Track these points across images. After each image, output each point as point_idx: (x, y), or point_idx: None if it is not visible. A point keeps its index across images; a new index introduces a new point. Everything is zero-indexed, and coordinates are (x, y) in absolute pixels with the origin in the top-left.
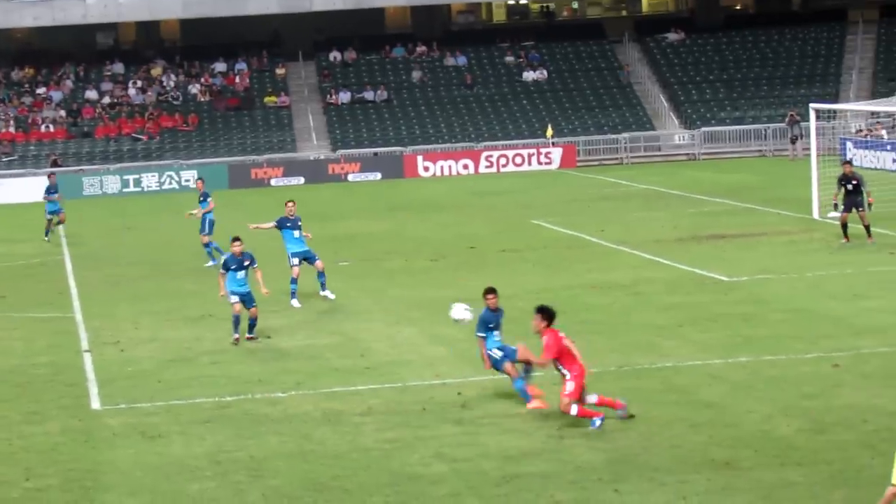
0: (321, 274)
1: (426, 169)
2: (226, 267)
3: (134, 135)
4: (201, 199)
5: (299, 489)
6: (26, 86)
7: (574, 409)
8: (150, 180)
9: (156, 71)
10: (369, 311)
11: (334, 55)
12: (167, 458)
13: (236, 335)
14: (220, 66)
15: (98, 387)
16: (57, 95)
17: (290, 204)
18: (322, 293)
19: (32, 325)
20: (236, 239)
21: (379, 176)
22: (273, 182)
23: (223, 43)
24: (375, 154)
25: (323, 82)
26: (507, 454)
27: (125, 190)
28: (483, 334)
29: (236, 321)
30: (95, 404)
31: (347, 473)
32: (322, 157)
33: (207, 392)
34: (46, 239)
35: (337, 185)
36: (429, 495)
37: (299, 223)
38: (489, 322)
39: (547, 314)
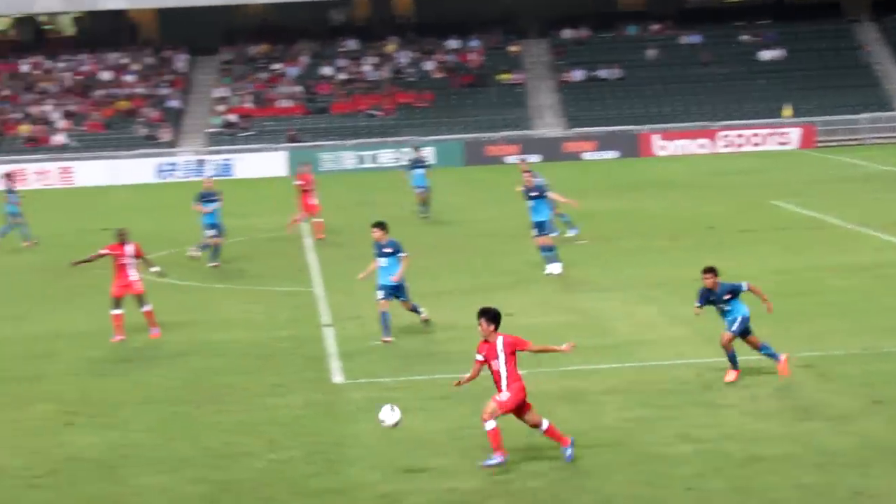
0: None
1: (662, 148)
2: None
3: (369, 111)
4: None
5: (541, 465)
6: (262, 61)
7: (491, 425)
8: (386, 156)
9: (390, 47)
10: (608, 289)
11: (568, 33)
12: (408, 433)
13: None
14: (454, 43)
15: (340, 361)
16: (293, 71)
17: (526, 174)
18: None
19: (274, 298)
20: (378, 225)
21: (615, 154)
22: (508, 160)
23: (456, 20)
24: (610, 133)
25: (556, 60)
26: (750, 436)
27: (361, 166)
28: (699, 304)
29: (384, 320)
30: (338, 378)
31: (589, 452)
32: (557, 134)
33: (447, 368)
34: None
35: (572, 163)
36: (672, 475)
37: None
38: (705, 297)
39: (492, 317)
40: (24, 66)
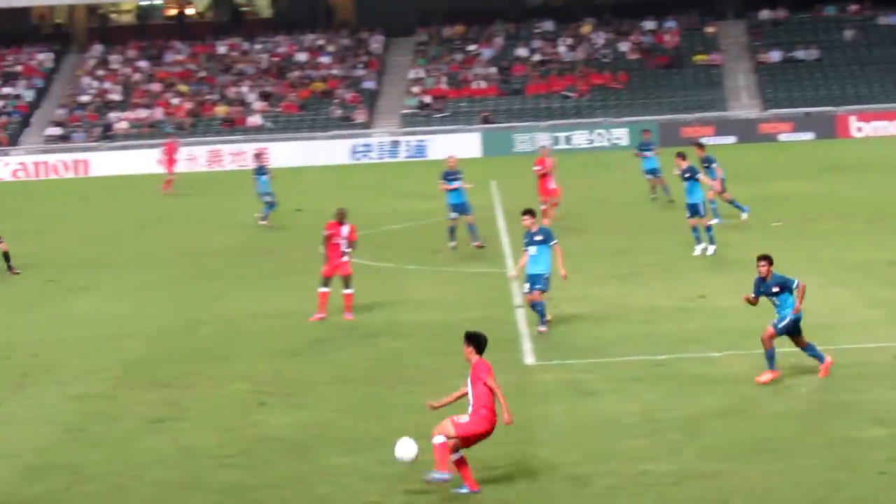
0: None
1: (859, 129)
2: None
3: (564, 92)
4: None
5: (734, 448)
6: (457, 43)
7: (439, 440)
8: (580, 138)
9: (585, 29)
10: (802, 272)
11: (765, 13)
12: (600, 414)
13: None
14: (650, 24)
15: (531, 342)
16: (487, 52)
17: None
18: None
19: (465, 280)
20: (527, 212)
21: (811, 136)
22: (703, 141)
23: (653, 1)
24: (807, 114)
25: (753, 41)
26: None
27: (555, 147)
28: (754, 294)
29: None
30: (529, 360)
31: (781, 435)
32: (753, 116)
33: (640, 350)
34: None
35: (768, 145)
36: (865, 459)
37: None
38: (757, 287)
39: (470, 342)
40: (222, 48)
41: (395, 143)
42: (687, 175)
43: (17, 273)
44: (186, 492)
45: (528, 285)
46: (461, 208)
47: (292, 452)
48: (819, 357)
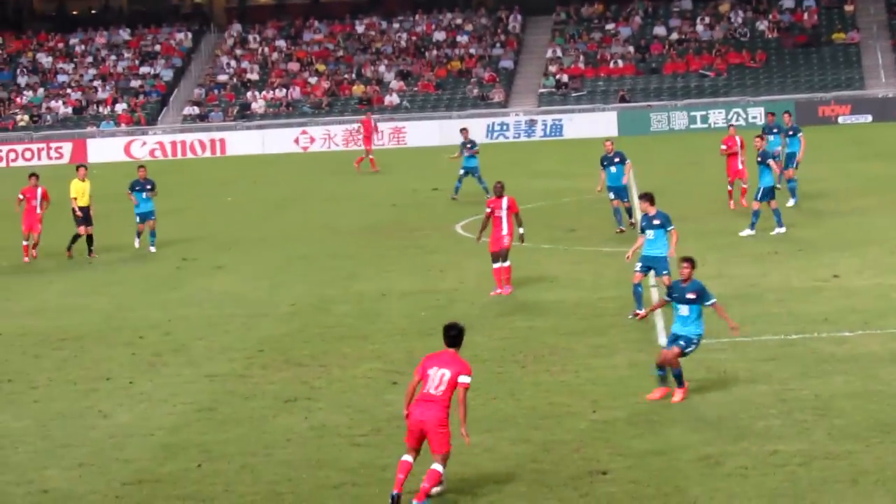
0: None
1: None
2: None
3: (701, 71)
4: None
5: (865, 429)
6: (596, 21)
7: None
8: (716, 117)
9: (724, 7)
10: None
11: None
12: (732, 394)
13: (637, 311)
14: (789, 3)
15: (664, 321)
16: (625, 31)
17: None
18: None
19: (600, 259)
20: (645, 196)
21: None
22: (840, 120)
23: None
24: None
25: (893, 19)
26: None
27: (692, 126)
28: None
29: (637, 294)
30: (663, 339)
31: None
32: (891, 95)
33: (773, 329)
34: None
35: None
36: None
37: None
38: (670, 292)
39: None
40: (360, 27)
41: (532, 123)
42: (759, 160)
43: (94, 257)
44: (317, 470)
45: (639, 265)
46: (619, 192)
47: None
48: (679, 380)
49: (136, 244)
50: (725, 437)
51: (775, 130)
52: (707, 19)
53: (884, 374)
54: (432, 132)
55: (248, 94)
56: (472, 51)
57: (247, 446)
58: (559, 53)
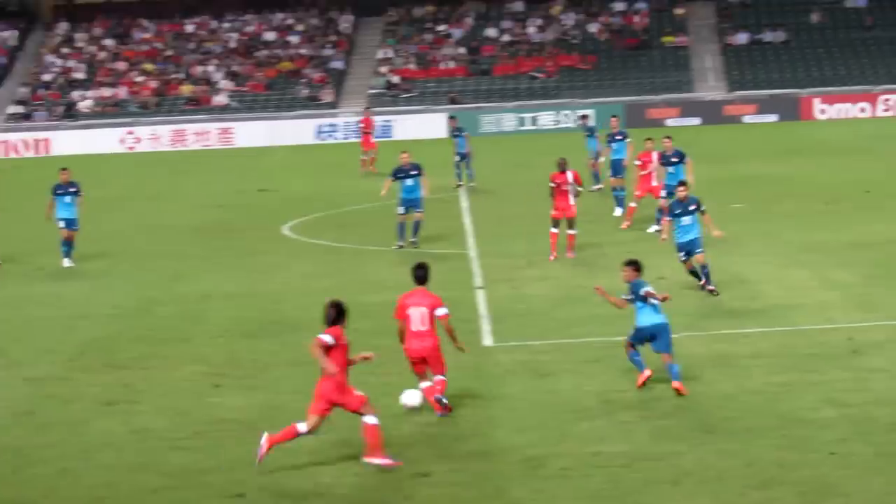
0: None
1: (822, 112)
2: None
3: (532, 73)
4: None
5: (687, 430)
6: (427, 23)
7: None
8: (546, 119)
9: (555, 9)
10: (761, 253)
11: None
12: (557, 396)
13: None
14: (620, 6)
15: (490, 323)
16: (457, 33)
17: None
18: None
19: (426, 260)
20: (682, 183)
21: (775, 118)
22: (669, 122)
23: None
24: (771, 96)
25: (721, 23)
26: None
27: (521, 128)
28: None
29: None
30: (487, 341)
31: (735, 415)
32: (718, 98)
33: (598, 331)
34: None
35: (732, 126)
36: (816, 439)
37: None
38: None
39: (418, 273)
40: (190, 27)
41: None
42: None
43: None
44: (137, 474)
45: (681, 254)
46: (413, 203)
47: (246, 435)
48: (639, 367)
49: None
50: (549, 439)
51: (618, 137)
52: (538, 21)
53: (706, 375)
54: (261, 133)
55: (74, 93)
56: (302, 51)
57: (66, 450)
58: (390, 54)
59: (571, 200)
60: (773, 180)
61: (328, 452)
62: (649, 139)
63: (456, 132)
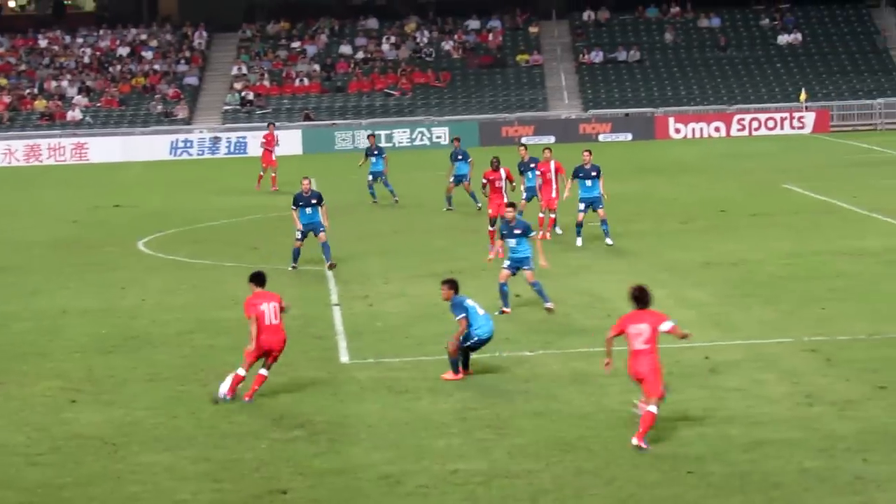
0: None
1: (677, 131)
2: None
3: (386, 90)
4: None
5: (544, 448)
6: (282, 40)
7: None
8: (401, 136)
9: (410, 27)
10: (617, 272)
11: (588, 14)
12: (414, 413)
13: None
14: (474, 24)
15: (347, 340)
16: (311, 50)
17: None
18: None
19: (283, 277)
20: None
21: (630, 137)
22: (524, 140)
23: (476, 0)
24: (626, 115)
25: (576, 41)
26: (754, 420)
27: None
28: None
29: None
30: (344, 358)
31: (592, 434)
32: (573, 116)
33: None
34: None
35: (587, 144)
36: (675, 458)
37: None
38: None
39: (257, 279)
40: (43, 42)
41: (216, 140)
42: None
43: None
44: None
45: (514, 270)
46: (313, 228)
47: (103, 450)
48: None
49: None
50: (406, 456)
51: (460, 157)
52: (392, 39)
53: (563, 393)
54: (115, 148)
55: None
56: (156, 67)
57: None
58: (245, 71)
59: (506, 198)
60: (629, 199)
61: (187, 468)
62: (547, 149)
63: (374, 151)
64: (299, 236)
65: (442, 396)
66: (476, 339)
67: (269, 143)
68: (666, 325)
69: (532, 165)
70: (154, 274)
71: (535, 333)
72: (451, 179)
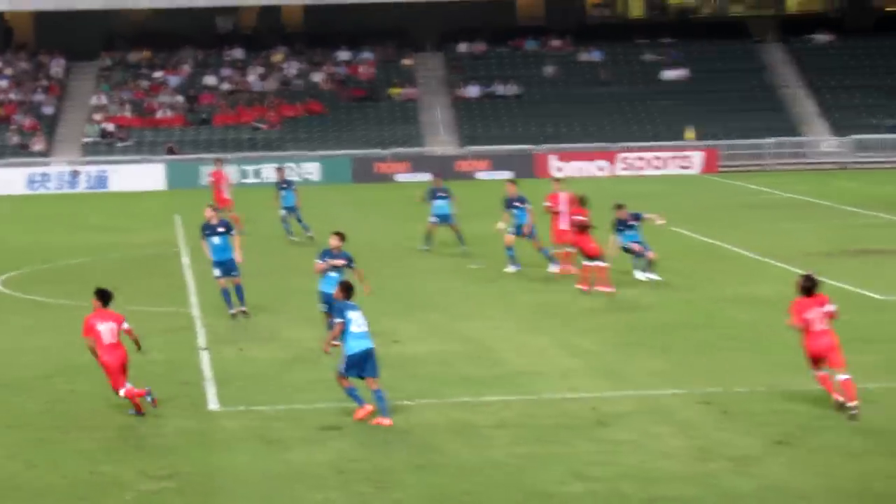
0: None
1: (559, 169)
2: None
3: (254, 123)
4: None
5: (427, 502)
6: (143, 69)
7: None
8: (270, 171)
9: (277, 57)
10: (500, 317)
11: (463, 46)
12: (287, 465)
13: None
14: (345, 55)
15: (216, 387)
16: (174, 80)
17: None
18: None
19: (147, 319)
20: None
21: (509, 174)
22: (398, 177)
23: (347, 31)
24: (506, 152)
25: (451, 75)
26: (647, 476)
27: (244, 181)
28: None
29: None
30: (213, 405)
31: (478, 489)
32: (449, 152)
33: (330, 396)
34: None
35: (464, 182)
36: None
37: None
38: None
39: (101, 296)
40: None
41: (75, 174)
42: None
43: None
44: None
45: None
46: (226, 266)
47: None
48: (356, 400)
49: None
50: None
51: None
52: (259, 69)
53: (445, 445)
54: None
55: None
56: (11, 96)
57: None
58: (105, 101)
59: (565, 225)
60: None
61: None
62: (558, 181)
63: (283, 185)
64: (218, 273)
65: (317, 447)
66: (346, 354)
67: (218, 182)
68: (830, 307)
69: (517, 203)
70: (12, 313)
71: (414, 381)
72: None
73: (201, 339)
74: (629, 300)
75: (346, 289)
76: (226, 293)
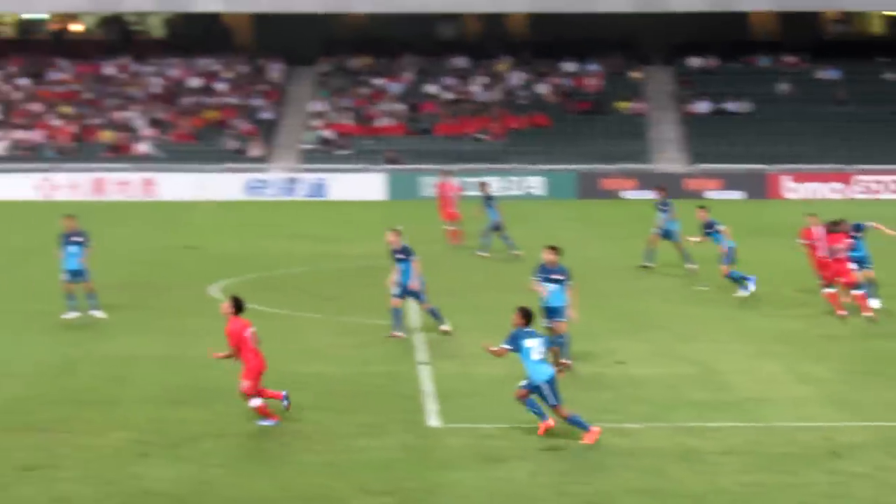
0: None
1: (792, 190)
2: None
3: (476, 135)
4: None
5: None
6: (363, 75)
7: (255, 402)
8: (493, 184)
9: (501, 67)
10: (729, 341)
11: (693, 61)
12: (509, 485)
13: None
14: (571, 66)
15: (437, 403)
16: (395, 88)
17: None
18: None
19: (365, 331)
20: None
21: (741, 195)
22: (624, 194)
23: (574, 41)
24: (737, 171)
25: (681, 89)
26: None
27: (465, 194)
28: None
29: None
30: (434, 421)
31: None
32: (679, 170)
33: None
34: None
35: (694, 201)
36: None
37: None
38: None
39: (236, 304)
40: (109, 69)
41: (293, 181)
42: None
43: None
44: None
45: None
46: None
47: None
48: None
49: None
50: None
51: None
52: (483, 79)
53: (671, 470)
54: (186, 185)
55: None
56: (229, 100)
57: None
58: (324, 107)
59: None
60: (741, 262)
61: None
62: (812, 215)
63: (487, 200)
64: (398, 291)
65: (539, 468)
66: (533, 384)
67: (444, 194)
68: None
69: (716, 228)
70: (224, 321)
71: (640, 404)
72: (657, 232)
73: (421, 354)
74: (866, 328)
75: (526, 315)
76: (397, 312)
